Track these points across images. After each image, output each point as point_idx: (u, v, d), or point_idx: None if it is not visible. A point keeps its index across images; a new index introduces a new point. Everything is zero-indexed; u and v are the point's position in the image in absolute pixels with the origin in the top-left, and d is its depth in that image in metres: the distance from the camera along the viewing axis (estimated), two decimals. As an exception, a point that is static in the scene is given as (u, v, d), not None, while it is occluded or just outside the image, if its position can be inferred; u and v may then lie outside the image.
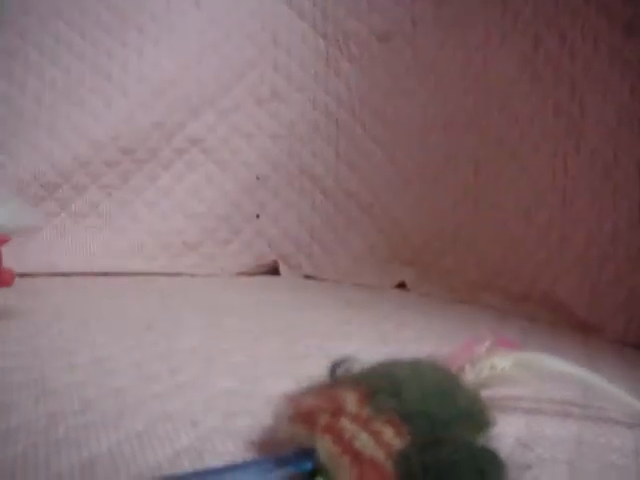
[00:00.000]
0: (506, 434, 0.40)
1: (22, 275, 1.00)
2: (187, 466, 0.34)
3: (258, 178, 1.18)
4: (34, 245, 1.07)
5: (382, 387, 0.37)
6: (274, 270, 1.19)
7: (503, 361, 0.46)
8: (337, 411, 0.37)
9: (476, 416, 0.38)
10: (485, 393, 0.40)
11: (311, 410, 0.37)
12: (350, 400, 0.37)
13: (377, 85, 1.15)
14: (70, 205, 1.11)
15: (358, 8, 1.17)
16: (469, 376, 0.45)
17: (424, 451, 0.34)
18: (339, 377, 0.39)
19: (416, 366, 0.40)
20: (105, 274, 1.08)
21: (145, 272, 1.10)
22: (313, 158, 1.19)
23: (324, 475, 0.35)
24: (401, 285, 1.08)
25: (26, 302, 0.83)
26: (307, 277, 1.17)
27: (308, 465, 0.35)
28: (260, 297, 0.98)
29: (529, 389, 0.48)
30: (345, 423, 0.36)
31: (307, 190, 1.19)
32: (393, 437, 0.35)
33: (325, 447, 0.35)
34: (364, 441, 0.35)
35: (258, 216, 1.18)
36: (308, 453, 0.36)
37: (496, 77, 0.99)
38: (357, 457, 0.34)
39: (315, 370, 0.39)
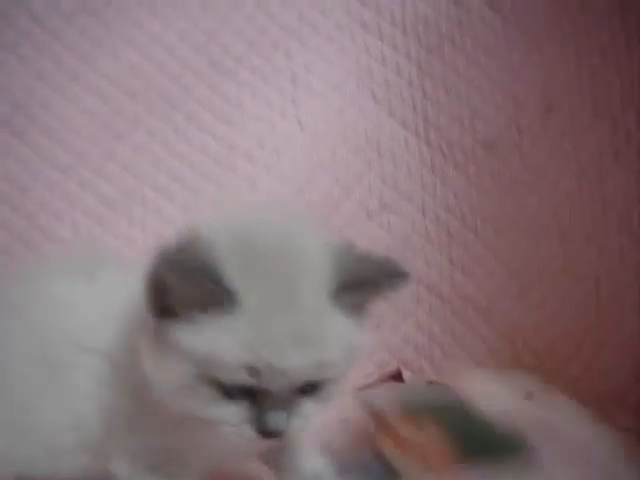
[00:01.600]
0: None
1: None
2: None
3: (375, 292, 1.20)
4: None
5: None
6: (398, 377, 1.22)
7: None
8: None
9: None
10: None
11: None
12: None
13: (485, 192, 1.16)
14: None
15: (460, 115, 1.18)
16: None
17: None
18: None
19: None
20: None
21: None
22: (427, 267, 1.20)
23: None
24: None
25: None
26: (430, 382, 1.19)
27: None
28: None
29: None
30: None
31: (423, 298, 1.21)
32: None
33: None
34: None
35: (378, 326, 1.20)
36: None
37: (612, 193, 0.99)
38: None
39: None
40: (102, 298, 0.66)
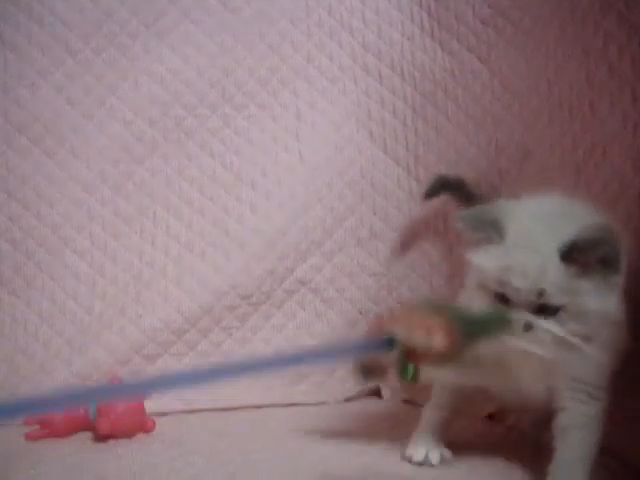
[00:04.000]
0: None
1: (160, 414, 1.17)
2: None
3: (361, 313, 1.31)
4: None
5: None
6: (377, 393, 1.32)
7: None
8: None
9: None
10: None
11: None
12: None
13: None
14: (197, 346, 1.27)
15: (447, 156, 1.29)
16: None
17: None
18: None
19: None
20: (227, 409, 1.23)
21: (262, 404, 1.25)
22: (410, 292, 1.31)
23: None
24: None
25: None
26: (406, 401, 1.29)
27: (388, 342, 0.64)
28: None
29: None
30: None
31: (405, 321, 1.31)
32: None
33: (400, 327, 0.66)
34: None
35: (360, 345, 1.31)
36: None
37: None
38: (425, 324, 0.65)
39: None
40: None
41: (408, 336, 0.65)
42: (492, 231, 0.77)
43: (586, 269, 0.73)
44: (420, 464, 0.90)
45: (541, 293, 0.74)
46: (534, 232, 0.75)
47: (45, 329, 1.25)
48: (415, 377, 0.65)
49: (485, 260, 0.77)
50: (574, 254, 0.73)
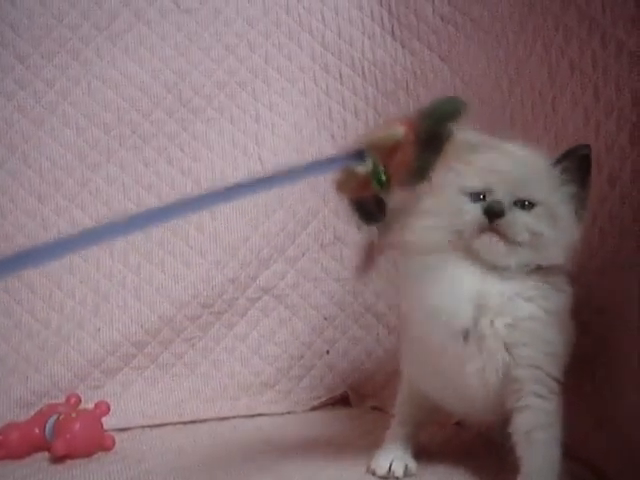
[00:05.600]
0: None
1: (120, 430, 1.14)
2: None
3: (326, 319, 1.28)
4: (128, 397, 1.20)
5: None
6: (345, 400, 1.29)
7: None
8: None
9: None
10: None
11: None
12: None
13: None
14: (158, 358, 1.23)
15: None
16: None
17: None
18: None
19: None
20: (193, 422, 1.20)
21: (227, 416, 1.22)
22: (376, 297, 1.28)
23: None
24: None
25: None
26: (374, 408, 1.26)
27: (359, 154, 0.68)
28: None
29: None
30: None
31: (372, 326, 1.29)
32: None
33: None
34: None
35: (328, 352, 1.29)
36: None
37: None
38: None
39: None
40: None
41: (372, 137, 0.70)
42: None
43: (566, 183, 0.78)
44: (384, 478, 0.88)
45: (525, 183, 0.77)
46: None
47: (0, 344, 1.20)
48: (388, 182, 0.69)
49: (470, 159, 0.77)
50: (563, 161, 0.78)
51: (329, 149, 1.30)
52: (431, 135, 0.69)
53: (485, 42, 1.15)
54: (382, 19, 1.31)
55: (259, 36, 1.31)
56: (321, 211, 1.29)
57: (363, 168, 0.69)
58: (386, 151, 0.69)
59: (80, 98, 1.28)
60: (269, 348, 1.27)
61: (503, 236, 0.76)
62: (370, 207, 0.75)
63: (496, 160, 0.78)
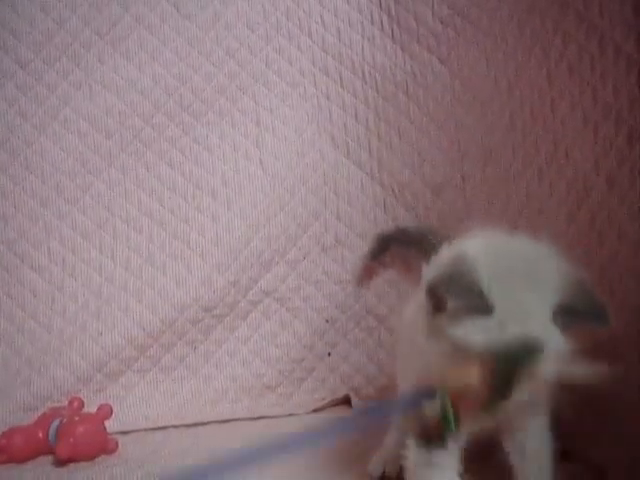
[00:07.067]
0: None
1: (123, 432, 1.15)
2: None
3: (327, 321, 1.29)
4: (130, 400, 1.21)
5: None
6: (347, 402, 1.30)
7: None
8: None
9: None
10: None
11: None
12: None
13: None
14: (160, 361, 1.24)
15: (411, 161, 1.27)
16: None
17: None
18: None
19: None
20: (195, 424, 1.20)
21: (229, 419, 1.22)
22: (377, 299, 1.29)
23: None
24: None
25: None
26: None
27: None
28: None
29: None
30: None
31: (373, 328, 1.29)
32: None
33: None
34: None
35: (329, 354, 1.29)
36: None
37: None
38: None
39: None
40: None
41: (445, 381, 0.66)
42: (477, 300, 0.67)
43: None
44: (379, 481, 0.88)
45: None
46: (524, 301, 0.68)
47: (3, 348, 1.22)
48: (457, 424, 0.67)
49: (475, 334, 0.67)
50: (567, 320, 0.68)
51: (330, 152, 1.30)
52: (505, 380, 0.66)
53: (484, 45, 1.16)
54: (382, 22, 1.31)
55: (259, 40, 1.31)
56: (322, 214, 1.29)
57: (431, 411, 0.68)
58: (457, 392, 0.67)
59: (82, 103, 1.28)
60: (270, 351, 1.27)
61: None
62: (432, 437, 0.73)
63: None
